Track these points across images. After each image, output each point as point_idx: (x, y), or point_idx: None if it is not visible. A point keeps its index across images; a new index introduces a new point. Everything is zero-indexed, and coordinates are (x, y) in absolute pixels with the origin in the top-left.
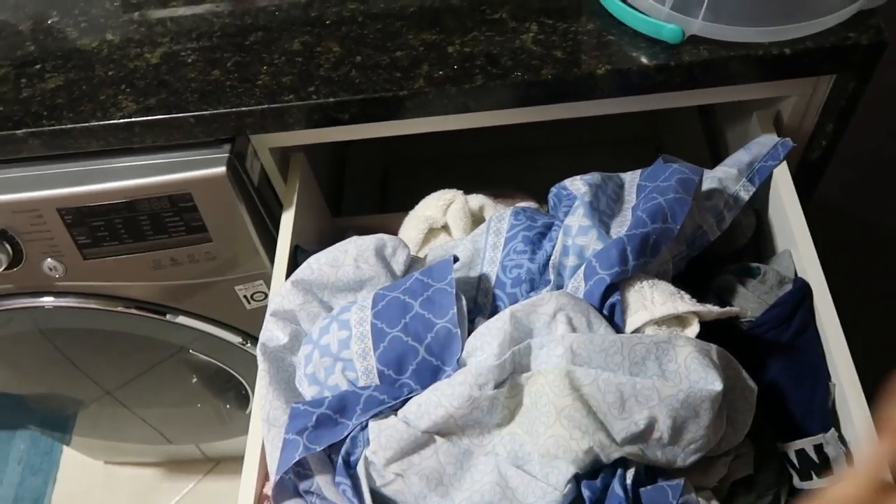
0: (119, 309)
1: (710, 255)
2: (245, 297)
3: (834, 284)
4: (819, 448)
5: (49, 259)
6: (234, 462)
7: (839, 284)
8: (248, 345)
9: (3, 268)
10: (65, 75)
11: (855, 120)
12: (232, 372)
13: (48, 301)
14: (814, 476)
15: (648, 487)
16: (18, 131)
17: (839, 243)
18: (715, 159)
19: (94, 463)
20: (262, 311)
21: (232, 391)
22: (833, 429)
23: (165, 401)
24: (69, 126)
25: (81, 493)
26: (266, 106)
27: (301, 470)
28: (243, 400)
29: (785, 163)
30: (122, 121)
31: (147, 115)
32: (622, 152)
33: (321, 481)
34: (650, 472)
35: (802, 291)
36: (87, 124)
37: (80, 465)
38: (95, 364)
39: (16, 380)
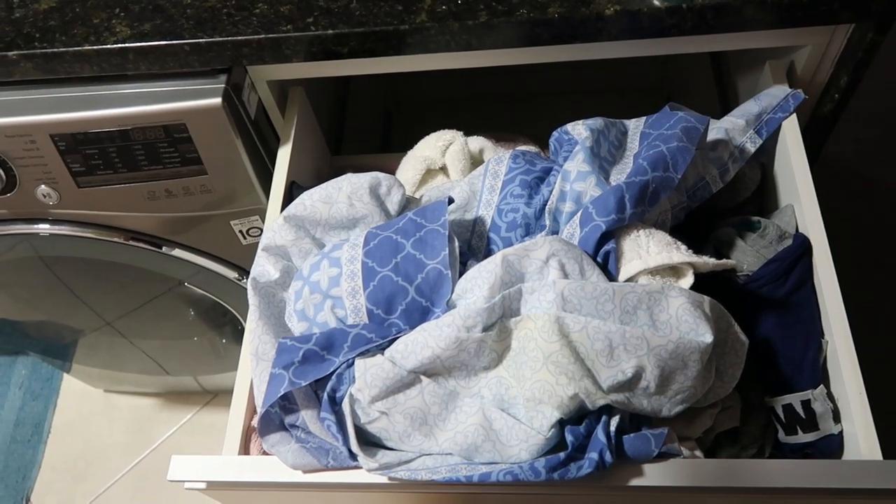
0: (115, 239)
1: (711, 208)
2: (241, 232)
3: (836, 242)
4: (807, 404)
5: (43, 185)
6: (231, 395)
7: (841, 243)
8: (244, 280)
9: None
10: None
11: (871, 77)
12: (227, 307)
13: (44, 228)
14: (799, 431)
15: (631, 435)
16: (10, 53)
17: (847, 202)
18: (725, 109)
19: (94, 391)
20: (258, 246)
21: (228, 326)
22: (822, 385)
23: (163, 333)
24: (62, 49)
25: (81, 419)
26: (263, 36)
27: (287, 404)
28: (239, 335)
29: (794, 116)
30: (115, 46)
31: (141, 41)
32: (631, 100)
33: (306, 416)
34: (634, 420)
35: (802, 247)
36: (79, 48)
37: (80, 393)
38: (95, 294)
39: (16, 307)
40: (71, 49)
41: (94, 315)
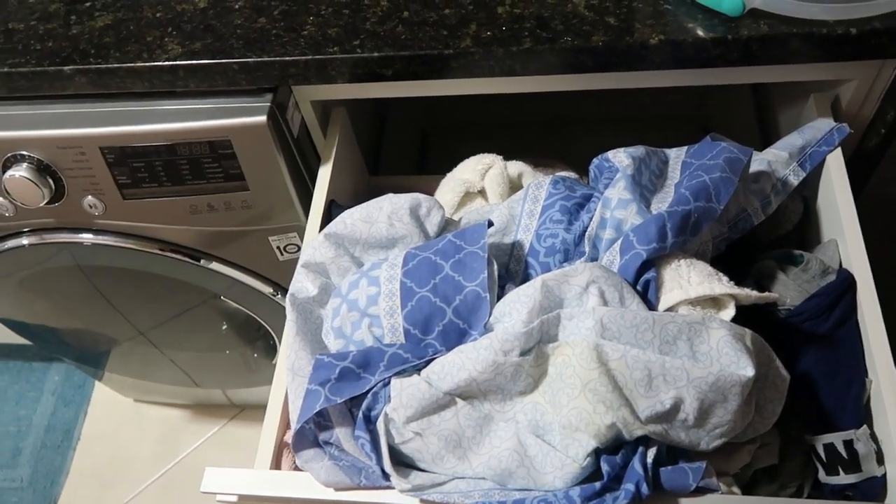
0: (155, 251)
1: (752, 240)
2: (278, 248)
3: (880, 280)
4: (849, 444)
5: (89, 196)
6: (258, 410)
7: (885, 281)
8: (279, 296)
9: (45, 202)
10: (114, 14)
11: None
12: (261, 321)
13: (87, 238)
14: (841, 472)
15: (669, 468)
16: (66, 68)
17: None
18: (765, 142)
19: (124, 400)
20: (295, 263)
21: (260, 340)
22: (865, 426)
23: (195, 345)
24: (115, 65)
25: (110, 427)
26: (310, 57)
27: (322, 421)
28: (271, 350)
29: (839, 150)
30: (167, 63)
31: (192, 59)
32: (667, 130)
33: (341, 434)
34: (672, 453)
35: (846, 283)
36: (132, 65)
37: (111, 402)
38: (130, 304)
39: (55, 314)
40: (124, 65)
41: (128, 325)
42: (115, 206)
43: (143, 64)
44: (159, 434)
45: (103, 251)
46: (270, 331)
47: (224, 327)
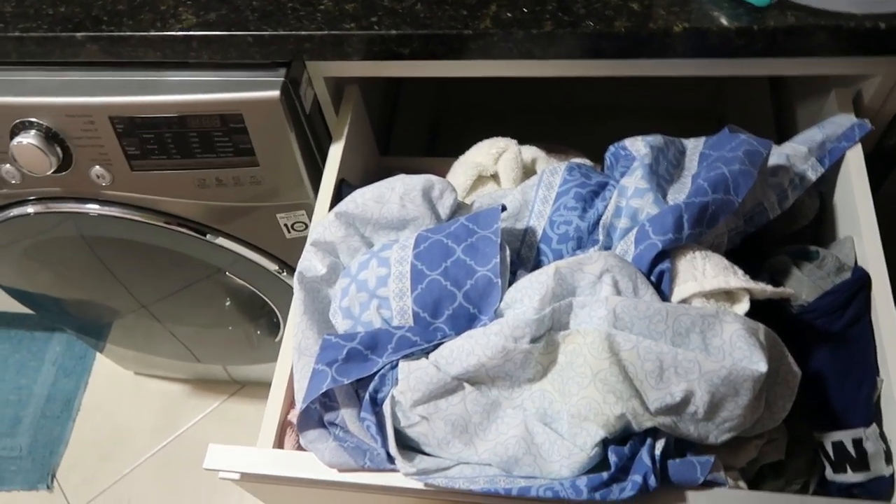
0: (161, 224)
1: (766, 234)
2: (286, 225)
3: (894, 278)
4: (858, 442)
5: (97, 166)
6: (258, 387)
7: None
8: (284, 273)
9: (52, 170)
10: None
11: None
12: (265, 299)
13: (93, 208)
14: (849, 470)
15: (677, 460)
16: (78, 34)
17: None
18: (781, 137)
19: (125, 373)
20: (302, 241)
21: (264, 318)
22: (875, 424)
23: (198, 320)
24: (128, 34)
25: (110, 400)
26: (326, 32)
27: (327, 401)
28: (274, 328)
29: (859, 146)
30: (180, 33)
31: (206, 30)
32: (682, 121)
33: (346, 415)
34: (679, 445)
35: (861, 281)
36: (145, 33)
37: (111, 374)
38: (134, 276)
39: (58, 284)
40: (137, 34)
41: (131, 297)
42: (122, 177)
43: (156, 33)
44: (159, 408)
45: (109, 222)
46: (274, 308)
47: (227, 303)
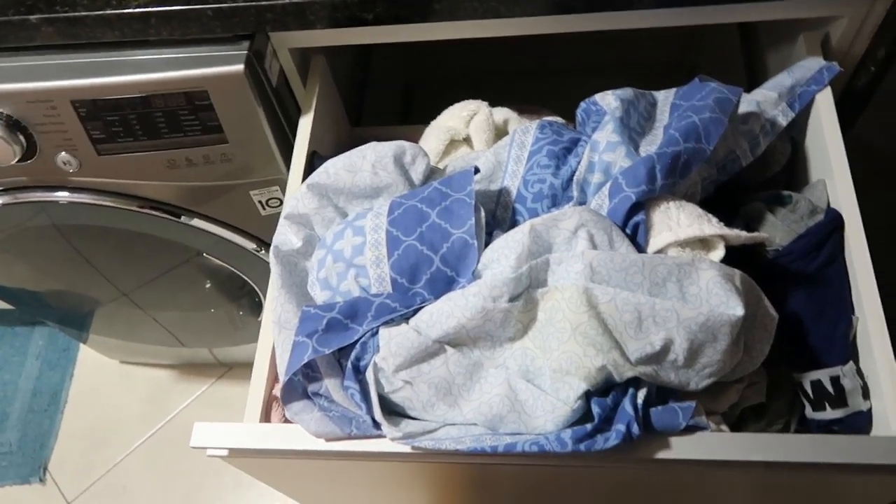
0: (134, 208)
1: (740, 182)
2: (260, 202)
3: (866, 220)
4: (836, 380)
5: (63, 153)
6: (245, 368)
7: (871, 221)
8: (262, 251)
9: (16, 159)
10: None
11: None
12: (245, 278)
13: (63, 196)
14: (827, 407)
15: (659, 408)
16: (32, 17)
17: (875, 183)
18: (753, 85)
19: (110, 362)
20: (277, 217)
21: (245, 298)
22: (851, 362)
23: (180, 304)
24: (83, 13)
25: (97, 390)
26: (287, 1)
27: (310, 372)
28: (256, 307)
29: (829, 89)
30: (137, 10)
31: (163, 6)
32: (654, 75)
33: (330, 384)
34: (661, 394)
35: (834, 223)
36: (101, 12)
37: (97, 363)
38: (112, 264)
39: (35, 277)
40: (93, 13)
41: (111, 286)
42: (90, 163)
43: (112, 11)
44: (147, 395)
45: (80, 209)
46: (255, 287)
47: (208, 285)
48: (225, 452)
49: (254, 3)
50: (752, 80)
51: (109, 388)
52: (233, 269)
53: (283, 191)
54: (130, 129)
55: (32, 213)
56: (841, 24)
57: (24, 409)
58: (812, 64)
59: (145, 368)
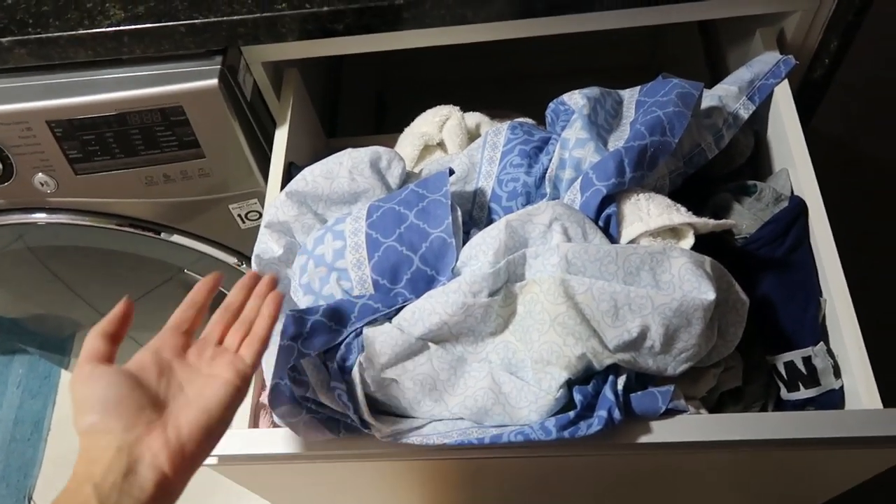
0: (113, 226)
1: (707, 175)
2: (239, 216)
3: (829, 206)
4: (808, 360)
5: (40, 174)
6: None
7: (834, 208)
8: (244, 266)
9: None
10: None
11: (860, 51)
12: (227, 294)
13: (41, 217)
14: (801, 387)
15: (639, 393)
16: (4, 39)
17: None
18: (715, 82)
19: None
20: (257, 230)
21: None
22: (822, 342)
23: (162, 323)
24: (56, 34)
25: None
26: (258, 15)
27: (297, 376)
28: None
29: (786, 81)
30: (110, 29)
31: (136, 24)
32: (622, 79)
33: (316, 387)
34: (641, 380)
35: (798, 208)
36: (74, 32)
37: None
38: (93, 287)
39: (13, 303)
40: (65, 34)
41: (91, 309)
42: (67, 183)
43: (84, 31)
44: None
45: (59, 230)
46: None
47: None
48: (215, 461)
49: (225, 18)
50: (715, 78)
51: None
52: None
53: (262, 203)
54: (107, 147)
55: (11, 237)
56: (794, 19)
57: (6, 438)
58: (769, 58)
59: None
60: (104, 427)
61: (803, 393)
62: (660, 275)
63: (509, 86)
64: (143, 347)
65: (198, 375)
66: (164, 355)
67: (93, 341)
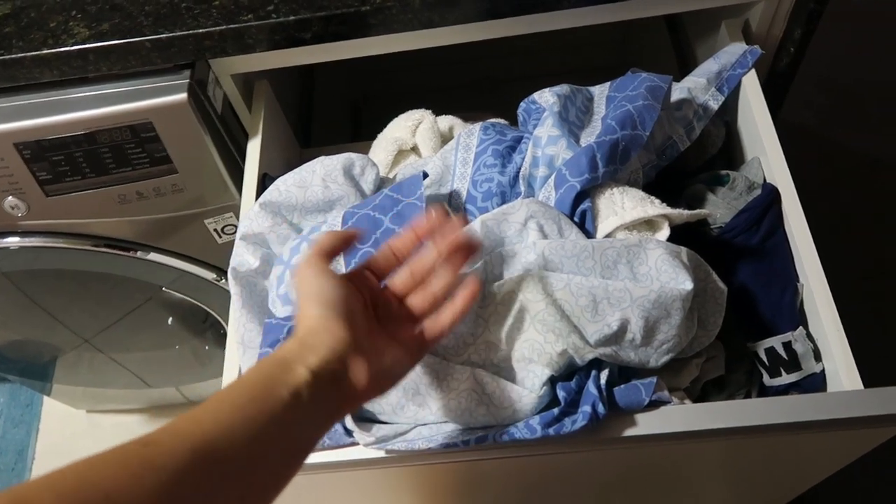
0: (88, 247)
1: (680, 167)
2: (216, 230)
3: (801, 192)
4: (788, 345)
5: (10, 197)
6: None
7: (806, 195)
8: (222, 281)
9: None
10: (11, 3)
11: (825, 43)
12: (207, 310)
13: (13, 241)
14: (783, 372)
15: (622, 386)
16: None
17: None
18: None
19: (77, 412)
20: (234, 244)
21: (209, 331)
22: (801, 327)
23: (143, 345)
24: (20, 55)
25: (65, 442)
26: (224, 27)
27: None
28: (221, 339)
29: (754, 71)
30: (74, 48)
31: (101, 41)
32: (594, 80)
33: None
34: (624, 374)
35: (771, 196)
36: (38, 53)
37: (63, 416)
38: (71, 311)
39: None
40: (29, 54)
41: (70, 332)
42: (38, 205)
43: (49, 51)
44: (116, 441)
45: (33, 254)
46: (219, 319)
47: (170, 321)
48: None
49: (192, 32)
50: (684, 72)
51: (78, 439)
52: (194, 301)
53: (238, 217)
54: (77, 167)
55: None
56: (758, 10)
57: None
58: (736, 49)
59: (113, 415)
60: (326, 326)
61: (786, 378)
62: (637, 267)
63: (484, 90)
64: (355, 267)
65: (384, 333)
66: (366, 287)
67: (329, 239)
